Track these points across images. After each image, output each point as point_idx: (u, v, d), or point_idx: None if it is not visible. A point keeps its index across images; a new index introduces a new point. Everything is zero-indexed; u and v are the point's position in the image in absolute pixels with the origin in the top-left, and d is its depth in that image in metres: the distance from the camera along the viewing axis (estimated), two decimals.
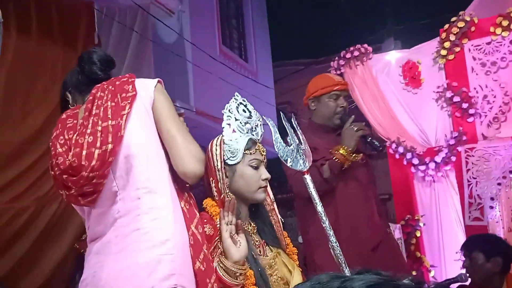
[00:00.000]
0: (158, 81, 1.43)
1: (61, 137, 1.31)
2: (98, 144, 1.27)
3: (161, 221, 1.24)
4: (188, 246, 1.26)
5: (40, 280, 2.63)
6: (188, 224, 1.28)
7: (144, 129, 1.34)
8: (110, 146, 1.27)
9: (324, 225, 1.69)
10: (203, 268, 1.24)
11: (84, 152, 1.26)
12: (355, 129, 2.35)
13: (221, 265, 1.28)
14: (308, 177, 1.73)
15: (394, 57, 3.97)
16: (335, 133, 2.49)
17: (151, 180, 1.28)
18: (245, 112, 1.60)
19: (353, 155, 2.33)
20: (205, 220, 1.47)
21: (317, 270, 2.17)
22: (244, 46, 6.29)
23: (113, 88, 1.37)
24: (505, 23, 3.45)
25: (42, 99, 2.78)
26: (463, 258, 2.44)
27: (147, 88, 1.39)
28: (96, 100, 1.35)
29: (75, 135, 1.30)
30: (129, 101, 1.33)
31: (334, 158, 2.30)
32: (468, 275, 2.38)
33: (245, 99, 1.64)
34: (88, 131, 1.29)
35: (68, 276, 2.58)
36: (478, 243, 2.39)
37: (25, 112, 2.76)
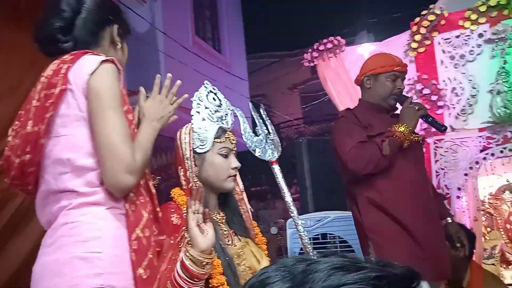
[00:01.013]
0: (103, 61, 1.22)
1: (16, 123, 1.27)
2: (18, 152, 1.24)
3: (90, 217, 1.17)
4: (124, 246, 1.18)
5: (5, 274, 2.55)
6: (132, 227, 1.19)
7: (77, 130, 1.21)
8: (28, 156, 1.23)
9: (292, 214, 1.70)
10: (145, 276, 1.16)
11: (10, 157, 1.25)
12: (416, 107, 2.22)
13: (187, 254, 1.25)
14: (276, 167, 1.73)
15: (366, 49, 4.01)
16: (388, 114, 2.35)
17: (85, 179, 1.20)
18: (215, 100, 1.58)
19: (413, 135, 2.23)
20: (172, 210, 1.44)
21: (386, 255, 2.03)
22: (217, 37, 6.23)
23: (45, 80, 1.24)
24: (473, 16, 3.53)
25: (13, 87, 2.68)
26: None
27: (81, 77, 1.21)
28: (33, 91, 1.26)
29: (16, 128, 1.26)
30: (52, 100, 1.20)
31: (394, 136, 2.21)
32: None
33: (215, 87, 1.62)
34: (16, 132, 1.26)
35: None
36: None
37: None
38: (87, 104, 1.20)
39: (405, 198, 2.16)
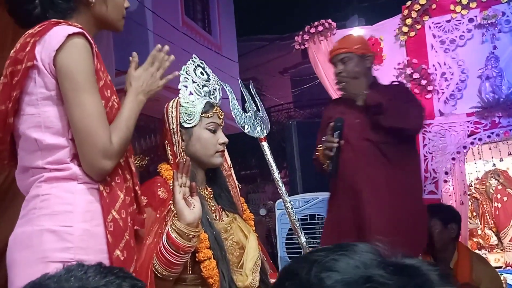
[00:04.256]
0: (71, 35, 1.13)
1: None
2: None
3: (61, 190, 1.14)
4: (96, 221, 1.14)
5: None
6: (108, 208, 1.16)
7: (44, 109, 1.16)
8: None
9: (280, 192, 1.69)
10: (122, 258, 1.14)
11: None
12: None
13: (173, 227, 1.24)
14: (265, 144, 1.71)
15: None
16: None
17: (55, 157, 1.17)
18: (203, 74, 1.55)
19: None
20: (159, 184, 1.42)
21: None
22: (208, 18, 6.15)
23: (13, 54, 1.17)
24: (464, 1, 3.52)
25: None
26: None
27: (48, 53, 1.13)
28: (4, 68, 1.20)
29: None
30: (18, 78, 1.14)
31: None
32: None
33: (203, 62, 1.59)
34: None
35: None
36: (436, 211, 2.48)
37: None
38: (56, 84, 1.14)
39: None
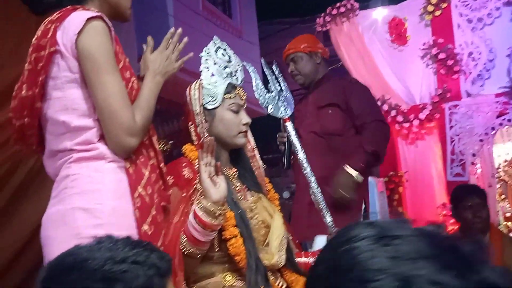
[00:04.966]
0: (90, 19, 1.16)
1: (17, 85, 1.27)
2: (18, 115, 1.24)
3: (90, 170, 1.18)
4: (125, 199, 1.18)
5: (19, 237, 2.59)
6: (134, 185, 1.19)
7: (69, 92, 1.19)
8: (26, 120, 1.23)
9: (305, 172, 1.68)
10: (149, 232, 1.17)
11: (13, 119, 1.25)
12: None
13: (200, 205, 1.25)
14: (289, 124, 1.70)
15: (380, 14, 3.89)
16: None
17: (83, 138, 1.20)
18: (224, 56, 1.54)
19: None
20: (184, 164, 1.44)
21: None
22: (228, 2, 6.10)
23: (35, 41, 1.21)
24: None
25: (14, 53, 2.66)
26: (450, 209, 2.52)
27: (69, 37, 1.16)
28: (28, 55, 1.23)
29: (16, 90, 1.26)
30: (42, 63, 1.18)
31: None
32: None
33: (224, 43, 1.59)
34: (16, 94, 1.25)
35: None
36: (471, 192, 2.46)
37: None
38: (78, 66, 1.18)
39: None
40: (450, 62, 3.57)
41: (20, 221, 2.55)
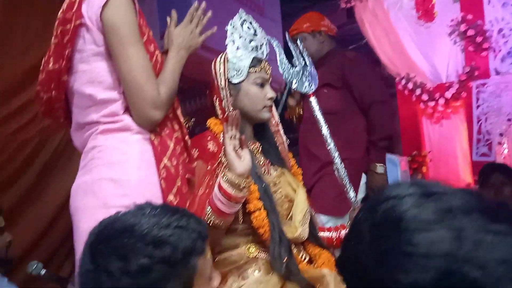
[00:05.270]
0: None
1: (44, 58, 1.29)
2: (45, 88, 1.26)
3: (116, 141, 1.20)
4: (150, 170, 1.20)
5: (48, 210, 2.68)
6: (159, 157, 1.21)
7: (95, 65, 1.21)
8: (53, 93, 1.25)
9: (329, 148, 1.68)
10: (175, 202, 1.20)
11: (40, 92, 1.28)
12: None
13: (225, 178, 1.27)
14: (313, 100, 1.69)
15: None
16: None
17: (109, 110, 1.22)
18: (249, 29, 1.53)
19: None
20: (209, 138, 1.45)
21: None
22: None
23: (61, 15, 1.22)
24: None
25: (41, 30, 2.70)
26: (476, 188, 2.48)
27: (94, 10, 1.18)
28: (54, 28, 1.24)
29: (43, 63, 1.28)
30: (69, 37, 1.19)
31: None
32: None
33: (250, 16, 1.57)
34: (43, 67, 1.27)
35: None
36: (502, 169, 2.42)
37: (25, 44, 2.70)
38: (103, 39, 1.19)
39: None
40: (479, 39, 3.45)
41: (48, 195, 2.64)
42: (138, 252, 0.74)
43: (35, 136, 2.63)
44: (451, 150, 3.53)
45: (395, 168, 2.71)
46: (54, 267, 2.30)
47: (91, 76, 1.22)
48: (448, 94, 3.49)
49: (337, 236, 1.60)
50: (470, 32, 3.48)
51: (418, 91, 3.58)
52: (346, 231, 0.60)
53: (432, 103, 3.54)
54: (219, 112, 1.49)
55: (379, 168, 2.22)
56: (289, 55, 1.68)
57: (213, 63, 1.51)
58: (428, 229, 0.49)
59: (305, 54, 1.71)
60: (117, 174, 1.17)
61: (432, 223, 0.49)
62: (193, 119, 3.23)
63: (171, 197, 1.19)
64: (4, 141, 2.54)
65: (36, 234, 2.59)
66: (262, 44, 1.54)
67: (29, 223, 2.55)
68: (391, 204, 0.53)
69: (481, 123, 3.38)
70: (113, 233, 0.77)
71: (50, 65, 1.24)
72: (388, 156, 2.66)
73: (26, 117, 2.60)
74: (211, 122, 1.50)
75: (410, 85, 3.59)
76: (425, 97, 3.56)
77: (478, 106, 3.42)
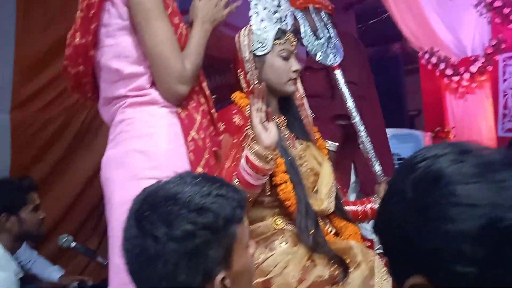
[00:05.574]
0: None
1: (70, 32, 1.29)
2: (73, 63, 1.26)
3: (144, 114, 1.21)
4: (178, 142, 1.21)
5: (75, 185, 2.73)
6: (187, 130, 1.22)
7: (121, 39, 1.21)
8: (81, 68, 1.25)
9: (354, 121, 1.66)
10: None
11: (68, 67, 1.29)
12: None
13: (252, 150, 1.26)
14: (338, 72, 1.67)
15: None
16: None
17: (136, 84, 1.22)
18: (273, 0, 1.51)
19: None
20: (234, 111, 1.45)
21: None
22: None
23: None
24: None
25: (62, 7, 2.71)
26: None
27: None
28: (79, 2, 1.24)
29: (69, 37, 1.27)
30: (94, 11, 1.19)
31: None
32: None
33: None
34: (70, 42, 1.26)
35: None
36: None
37: (46, 21, 2.71)
38: (128, 13, 1.18)
39: None
40: (506, 11, 3.34)
41: (75, 170, 2.68)
42: (182, 219, 0.76)
43: (61, 114, 2.65)
44: (475, 126, 3.46)
45: (418, 143, 2.68)
46: (81, 240, 2.36)
47: (118, 50, 1.22)
48: (474, 68, 3.41)
49: (362, 210, 1.60)
50: (497, 3, 3.37)
51: (442, 66, 3.51)
52: (384, 193, 0.60)
53: (456, 78, 3.47)
54: (244, 85, 1.48)
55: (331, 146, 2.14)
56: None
57: (237, 35, 1.50)
58: (470, 182, 0.50)
59: (329, 26, 1.69)
60: (146, 146, 1.18)
61: (474, 176, 0.50)
62: (214, 97, 3.24)
63: (199, 170, 1.20)
64: (30, 119, 2.58)
65: (63, 208, 2.65)
66: (287, 15, 1.52)
67: (57, 198, 2.60)
68: (430, 162, 0.54)
69: (507, 98, 3.30)
70: (157, 201, 0.79)
71: (77, 39, 1.24)
72: (412, 131, 2.63)
73: (50, 95, 2.63)
74: (236, 95, 1.49)
75: (433, 60, 3.51)
76: (449, 71, 3.49)
77: (504, 80, 3.33)
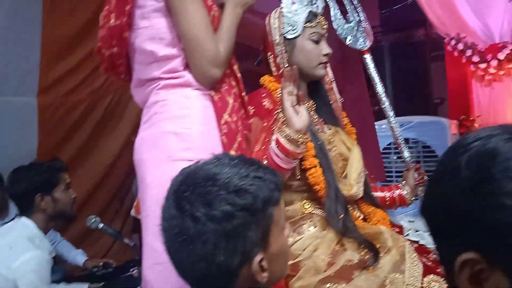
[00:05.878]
0: None
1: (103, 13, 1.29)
2: (107, 44, 1.26)
3: (178, 96, 1.21)
4: (211, 124, 1.21)
5: (100, 168, 2.78)
6: (220, 113, 1.22)
7: (156, 21, 1.21)
8: (115, 49, 1.25)
9: (383, 106, 1.64)
10: None
11: (102, 48, 1.28)
12: None
13: (283, 134, 1.26)
14: (368, 56, 1.64)
15: None
16: None
17: (170, 66, 1.22)
18: None
19: None
20: (264, 95, 1.44)
21: None
22: None
23: None
24: None
25: None
26: None
27: None
28: None
29: (103, 18, 1.27)
30: None
31: None
32: None
33: None
34: (104, 23, 1.25)
35: (129, 165, 2.71)
36: None
37: (73, 5, 2.72)
38: None
39: None
40: None
41: (100, 152, 2.73)
42: (221, 199, 0.77)
43: (86, 98, 2.69)
44: (502, 115, 3.39)
45: (444, 131, 2.64)
46: (105, 222, 2.40)
47: (152, 32, 1.22)
48: (501, 55, 3.33)
49: (390, 196, 1.59)
50: None
51: (468, 52, 3.43)
52: (433, 175, 0.60)
53: (483, 65, 3.39)
54: (273, 69, 1.47)
55: None
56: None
57: (267, 18, 1.48)
58: None
59: (359, 9, 1.66)
60: (180, 127, 1.18)
61: None
62: None
63: (232, 153, 1.20)
64: (56, 103, 2.61)
65: (88, 191, 2.70)
66: None
67: (82, 181, 2.65)
68: (484, 141, 0.55)
69: None
70: (197, 181, 0.79)
71: (112, 21, 1.24)
72: (437, 119, 2.59)
73: (76, 79, 2.66)
74: (266, 79, 1.48)
75: (460, 46, 3.44)
76: (476, 58, 3.41)
77: None
